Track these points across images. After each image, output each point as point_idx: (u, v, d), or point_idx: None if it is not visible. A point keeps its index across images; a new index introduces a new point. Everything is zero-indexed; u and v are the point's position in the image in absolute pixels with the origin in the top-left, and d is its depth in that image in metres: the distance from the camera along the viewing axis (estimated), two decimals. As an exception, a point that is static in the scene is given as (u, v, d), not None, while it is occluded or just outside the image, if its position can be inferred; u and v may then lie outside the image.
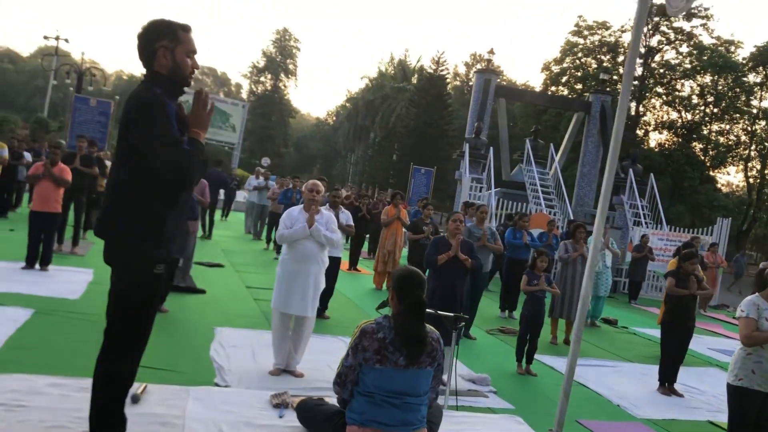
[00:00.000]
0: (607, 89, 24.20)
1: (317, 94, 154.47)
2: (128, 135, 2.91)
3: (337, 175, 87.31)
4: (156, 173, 2.87)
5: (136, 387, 3.83)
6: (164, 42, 3.00)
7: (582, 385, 6.66)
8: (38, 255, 8.42)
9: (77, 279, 8.22)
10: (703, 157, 37.45)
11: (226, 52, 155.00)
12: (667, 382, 6.79)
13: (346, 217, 8.08)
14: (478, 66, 67.53)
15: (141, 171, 2.90)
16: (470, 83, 65.83)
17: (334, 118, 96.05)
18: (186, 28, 3.08)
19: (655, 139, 41.11)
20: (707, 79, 37.53)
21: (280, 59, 71.80)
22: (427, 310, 3.53)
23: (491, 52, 20.40)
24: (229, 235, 16.18)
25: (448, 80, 48.11)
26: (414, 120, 43.97)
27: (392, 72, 62.07)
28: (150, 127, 2.83)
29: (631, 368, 7.86)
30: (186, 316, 7.18)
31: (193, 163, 2.88)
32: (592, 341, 9.15)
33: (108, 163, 14.98)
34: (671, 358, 6.75)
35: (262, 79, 72.12)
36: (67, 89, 38.44)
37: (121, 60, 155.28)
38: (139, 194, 2.91)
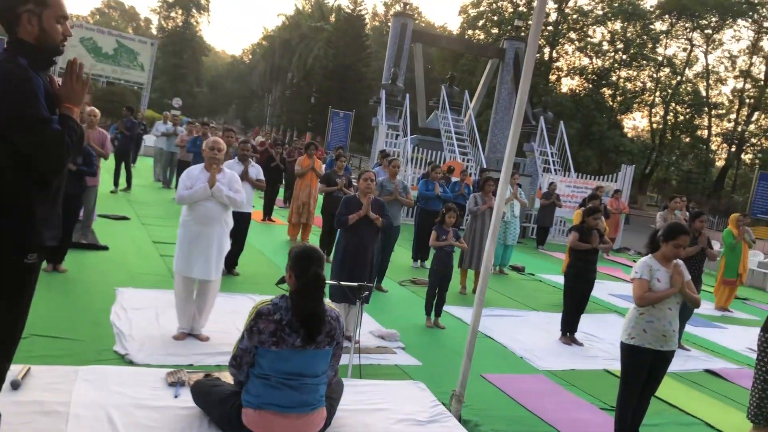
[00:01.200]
0: (521, 35, 24.40)
1: (232, 31, 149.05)
2: None
3: (254, 117, 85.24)
4: (22, 157, 2.60)
5: (17, 371, 3.57)
6: (29, 5, 2.66)
7: (488, 337, 6.86)
8: None
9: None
10: (611, 103, 38.72)
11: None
12: (568, 332, 7.07)
13: (256, 171, 7.86)
14: (397, 7, 66.68)
15: (4, 153, 2.60)
16: (389, 24, 65.03)
17: (250, 56, 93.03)
18: None
19: (567, 84, 42.09)
20: (617, 25, 38.47)
21: (191, -6, 68.43)
22: (329, 281, 3.47)
23: (407, -5, 20.07)
24: (136, 183, 15.52)
25: (366, 21, 47.23)
26: (332, 61, 43.22)
27: (309, 10, 60.37)
28: (13, 105, 2.52)
29: (536, 317, 8.15)
30: (86, 276, 6.88)
31: (64, 144, 2.60)
32: (499, 290, 9.42)
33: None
34: (573, 309, 7.02)
35: (173, 14, 68.62)
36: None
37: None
38: (2, 177, 2.62)
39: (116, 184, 13.57)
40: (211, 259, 5.35)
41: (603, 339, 7.44)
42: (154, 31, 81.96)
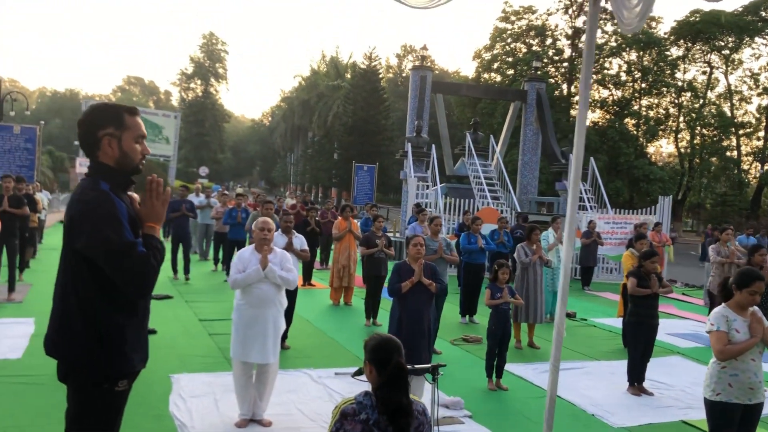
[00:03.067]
0: (538, 73, 24.48)
1: (250, 96, 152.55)
2: (73, 239, 2.54)
3: (277, 177, 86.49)
4: (110, 283, 2.54)
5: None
6: (109, 129, 2.64)
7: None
8: (-29, 311, 7.86)
9: (18, 332, 7.71)
10: (636, 132, 38.47)
11: (152, 60, 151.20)
12: (636, 382, 6.79)
13: (300, 241, 7.81)
14: (410, 57, 67.75)
15: (91, 279, 2.55)
16: (403, 74, 65.95)
17: (270, 119, 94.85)
18: (132, 111, 2.73)
19: (589, 118, 41.95)
20: (633, 56, 38.51)
21: (209, 64, 70.43)
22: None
23: (425, 48, 20.34)
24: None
25: (381, 74, 47.97)
26: (351, 117, 43.79)
27: (325, 69, 61.58)
28: (98, 233, 2.47)
29: (597, 367, 7.86)
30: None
31: (150, 266, 2.53)
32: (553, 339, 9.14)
33: (39, 197, 14.25)
34: (638, 357, 6.75)
35: (192, 85, 70.65)
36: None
37: (44, 75, 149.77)
38: (92, 305, 2.57)
39: (175, 270, 12.77)
40: (268, 342, 5.25)
41: (672, 386, 7.13)
42: (174, 103, 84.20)
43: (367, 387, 6.57)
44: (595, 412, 6.12)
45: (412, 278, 5.74)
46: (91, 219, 2.49)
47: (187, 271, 12.48)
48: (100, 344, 2.56)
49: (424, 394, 5.74)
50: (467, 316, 10.09)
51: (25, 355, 6.83)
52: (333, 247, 16.03)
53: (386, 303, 10.37)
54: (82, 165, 32.13)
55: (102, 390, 2.59)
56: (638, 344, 6.72)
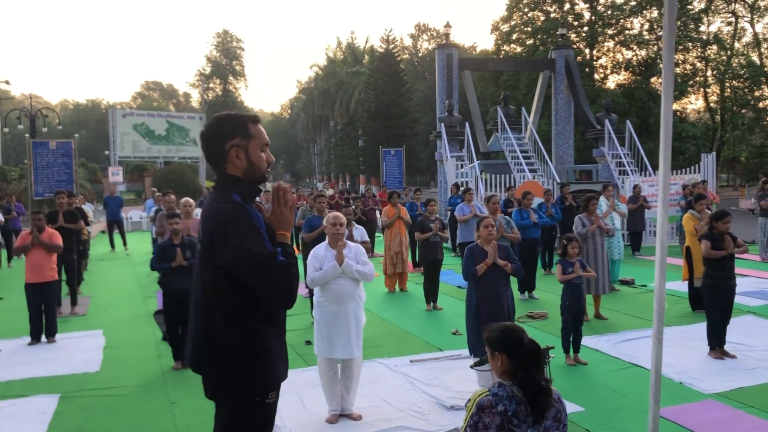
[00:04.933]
0: (560, 40, 23.99)
1: (267, 90, 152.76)
2: (215, 255, 2.50)
3: (302, 168, 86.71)
4: (253, 297, 2.52)
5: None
6: (236, 140, 2.60)
7: (634, 365, 6.52)
8: (42, 327, 7.98)
9: (89, 346, 7.83)
10: (663, 91, 37.68)
11: (168, 64, 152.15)
12: (717, 346, 6.66)
13: (361, 233, 7.80)
14: (425, 36, 67.25)
15: (235, 293, 2.52)
16: (419, 54, 65.47)
17: (289, 111, 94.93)
18: (255, 119, 2.69)
19: (614, 80, 41.26)
20: (654, 13, 37.67)
21: (226, 62, 70.65)
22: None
23: (448, 26, 20.04)
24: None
25: (399, 56, 47.61)
26: (374, 102, 43.55)
27: (341, 57, 61.33)
28: (240, 247, 2.43)
29: (671, 333, 7.70)
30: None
31: (291, 275, 2.50)
32: (619, 309, 9.04)
33: (86, 209, 14.43)
34: (718, 321, 6.62)
35: (211, 85, 70.93)
36: (17, 130, 37.21)
37: (64, 88, 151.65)
38: (238, 319, 2.54)
39: None
40: (351, 337, 5.24)
41: (753, 346, 6.99)
42: (194, 104, 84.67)
43: (445, 373, 6.49)
44: (683, 379, 6.01)
45: (486, 261, 5.67)
46: (231, 233, 2.46)
47: None
48: (249, 359, 2.55)
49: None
50: (526, 293, 10.00)
51: (103, 368, 6.92)
52: (381, 234, 16.12)
53: (444, 287, 10.34)
54: (114, 174, 32.47)
55: (254, 404, 2.58)
56: (717, 307, 6.59)
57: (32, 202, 20.21)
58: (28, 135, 25.82)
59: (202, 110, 60.81)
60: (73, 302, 9.87)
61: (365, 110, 45.73)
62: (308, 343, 7.63)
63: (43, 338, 8.01)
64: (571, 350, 6.64)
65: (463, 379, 6.17)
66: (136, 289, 11.85)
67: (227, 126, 2.62)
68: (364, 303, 5.48)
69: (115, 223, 17.45)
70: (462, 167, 17.04)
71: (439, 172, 19.47)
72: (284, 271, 2.46)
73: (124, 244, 17.69)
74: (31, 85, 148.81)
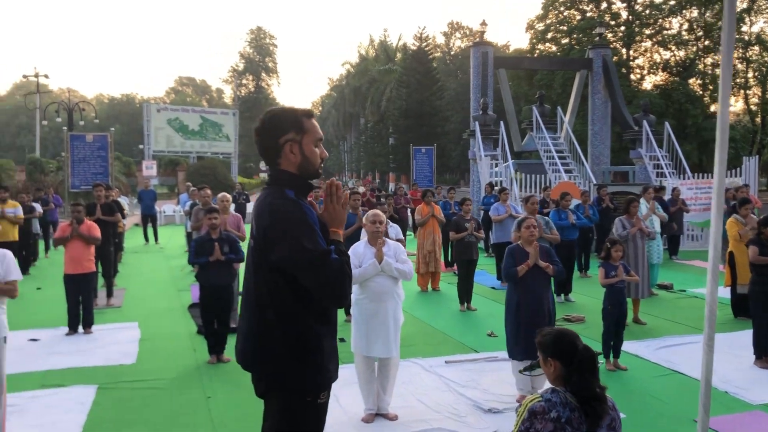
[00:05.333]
0: (596, 39, 23.62)
1: (297, 87, 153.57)
2: (267, 251, 2.46)
3: (332, 166, 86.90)
4: (306, 295, 2.47)
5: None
6: (290, 134, 2.56)
7: (676, 372, 6.36)
8: (79, 318, 8.07)
9: (125, 337, 7.88)
10: (701, 93, 36.94)
11: (202, 59, 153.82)
12: (764, 354, 6.46)
13: (396, 231, 7.72)
14: (458, 34, 66.87)
15: (288, 290, 2.47)
16: (451, 53, 65.12)
17: (320, 108, 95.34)
18: (309, 114, 2.65)
19: (651, 81, 40.54)
20: (694, 13, 36.93)
21: (259, 59, 71.13)
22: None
23: (483, 24, 19.88)
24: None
25: (433, 55, 47.41)
26: (405, 100, 43.40)
27: (374, 54, 61.28)
28: (294, 243, 2.38)
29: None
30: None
31: (346, 273, 2.44)
32: (657, 314, 8.84)
33: (122, 202, 14.58)
34: (765, 328, 6.42)
35: (244, 81, 71.48)
36: (55, 123, 37.90)
37: (99, 82, 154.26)
38: (291, 317, 2.49)
39: None
40: (390, 336, 5.18)
41: (800, 356, 6.76)
42: (226, 100, 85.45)
43: (482, 375, 6.36)
44: (728, 389, 5.84)
45: (527, 262, 5.56)
46: (284, 229, 2.41)
47: None
48: (301, 357, 2.50)
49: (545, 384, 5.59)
50: (562, 295, 9.84)
51: (139, 360, 6.96)
52: (413, 232, 16.04)
53: (477, 287, 10.23)
54: (148, 168, 32.84)
55: (306, 403, 2.53)
56: (765, 315, 6.39)
57: (69, 194, 20.57)
58: (66, 128, 26.27)
59: (234, 106, 61.36)
60: (109, 294, 9.97)
61: (396, 108, 45.62)
62: (342, 340, 7.59)
63: (80, 329, 8.08)
64: (611, 355, 6.50)
65: (500, 381, 6.07)
66: (170, 282, 11.95)
67: (281, 121, 2.58)
68: (402, 302, 5.42)
69: (149, 217, 17.62)
70: (496, 166, 16.88)
71: (472, 171, 19.30)
72: (338, 269, 2.40)
73: (156, 238, 17.86)
74: (68, 79, 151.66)
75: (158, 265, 14.22)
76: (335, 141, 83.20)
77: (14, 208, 11.20)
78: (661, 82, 38.85)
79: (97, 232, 8.19)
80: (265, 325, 2.51)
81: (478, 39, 21.04)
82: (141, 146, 41.78)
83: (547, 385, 5.71)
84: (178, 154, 39.07)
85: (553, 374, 2.83)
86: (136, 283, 11.63)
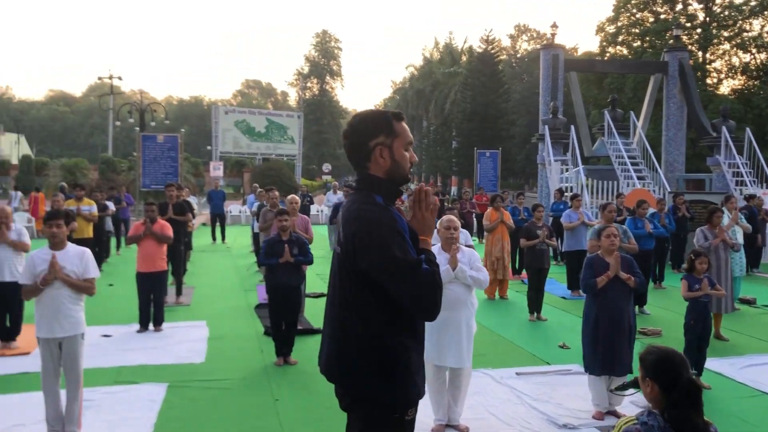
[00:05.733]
0: (670, 41, 22.77)
1: (362, 90, 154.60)
2: (355, 259, 2.36)
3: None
4: (394, 303, 2.35)
5: None
6: (380, 138, 2.46)
7: (765, 393, 5.97)
8: (150, 316, 8.21)
9: (194, 336, 7.97)
10: (784, 98, 35.19)
11: (266, 63, 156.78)
12: None
13: (465, 236, 7.56)
14: (524, 36, 65.91)
15: (376, 301, 2.37)
16: (518, 55, 64.24)
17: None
18: (399, 116, 2.54)
19: (729, 85, 38.89)
20: (777, 13, 35.25)
21: (324, 62, 71.80)
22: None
23: (554, 26, 19.40)
24: (315, 255, 15.84)
25: (497, 56, 46.81)
26: (470, 103, 42.96)
27: (438, 57, 60.99)
28: (383, 251, 2.27)
29: (804, 361, 7.07)
30: (315, 367, 6.77)
31: (437, 285, 2.32)
32: (741, 330, 8.39)
33: (191, 201, 14.87)
34: None
35: (309, 84, 72.25)
36: (127, 123, 39.18)
37: (168, 85, 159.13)
38: (379, 329, 2.38)
39: None
40: (463, 345, 5.03)
41: None
42: (291, 103, 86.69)
43: (555, 388, 6.10)
44: (825, 415, 5.44)
45: (607, 273, 5.31)
46: (373, 237, 2.30)
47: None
48: (389, 371, 2.38)
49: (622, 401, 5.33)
50: (637, 307, 9.44)
51: (208, 360, 7.01)
52: (478, 238, 15.81)
53: (548, 297, 9.92)
54: (216, 169, 33.52)
55: (392, 420, 2.42)
56: None
57: (140, 193, 21.16)
58: (138, 128, 27.05)
59: (299, 109, 62.14)
60: (178, 292, 10.13)
61: (460, 111, 45.21)
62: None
63: (151, 326, 8.22)
64: (693, 373, 6.16)
65: (574, 396, 5.83)
66: (237, 281, 12.08)
67: (372, 123, 2.48)
68: (476, 310, 5.26)
69: (217, 217, 17.92)
70: (565, 171, 16.48)
71: (539, 176, 18.89)
72: (429, 280, 2.28)
73: (223, 237, 18.14)
74: (139, 81, 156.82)
75: (225, 264, 14.42)
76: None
77: (89, 206, 11.55)
78: (739, 87, 37.24)
79: (170, 231, 8.32)
80: (351, 337, 2.41)
81: (546, 41, 20.55)
82: (209, 147, 42.70)
83: (626, 402, 5.47)
84: (244, 156, 39.74)
85: (650, 395, 2.63)
86: (204, 282, 11.80)
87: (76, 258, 4.81)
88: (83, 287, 4.83)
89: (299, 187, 27.03)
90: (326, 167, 42.70)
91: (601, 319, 5.28)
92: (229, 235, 18.96)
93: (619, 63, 28.59)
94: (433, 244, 6.76)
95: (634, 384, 2.78)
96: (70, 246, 4.89)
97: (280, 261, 6.73)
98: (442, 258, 5.15)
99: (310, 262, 7.06)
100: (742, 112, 31.74)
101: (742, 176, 16.50)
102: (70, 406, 4.82)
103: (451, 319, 5.01)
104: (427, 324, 5.12)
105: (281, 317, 6.83)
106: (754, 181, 16.38)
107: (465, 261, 5.13)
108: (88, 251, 4.91)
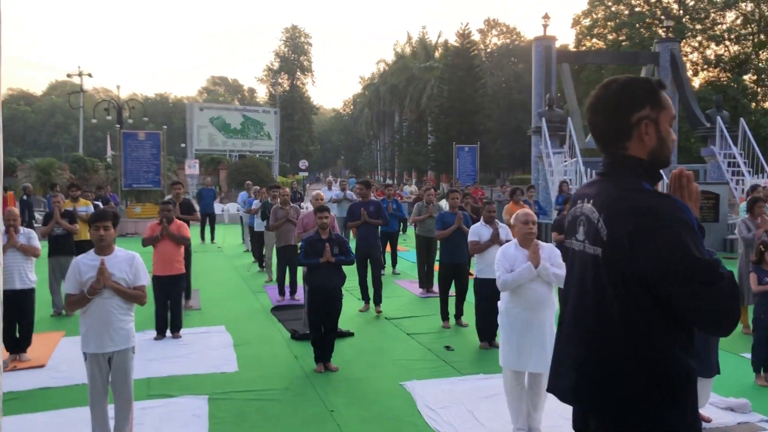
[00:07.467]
0: (661, 32, 22.83)
1: (329, 86, 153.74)
2: (631, 260, 1.92)
3: (364, 165, 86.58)
4: (675, 316, 1.92)
5: None
6: (645, 110, 2.03)
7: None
8: (167, 322, 7.70)
9: (218, 343, 7.50)
10: (756, 88, 35.81)
11: (232, 60, 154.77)
12: None
13: (506, 232, 7.24)
14: (494, 31, 65.93)
15: (656, 314, 1.93)
16: (487, 50, 64.27)
17: (352, 107, 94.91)
18: (663, 84, 2.11)
19: (702, 76, 39.40)
20: (750, 6, 35.80)
21: (294, 58, 70.90)
22: None
23: (546, 17, 19.18)
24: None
25: (473, 51, 46.68)
26: (447, 98, 42.77)
27: (410, 52, 60.68)
28: (676, 251, 1.85)
29: None
30: (358, 372, 6.40)
31: (738, 294, 1.90)
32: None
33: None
34: None
35: (279, 80, 71.30)
36: (90, 123, 38.00)
37: (129, 83, 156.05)
38: (656, 344, 1.95)
39: (366, 298, 11.91)
40: (546, 349, 4.67)
41: None
42: (259, 99, 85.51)
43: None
44: None
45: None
46: (663, 234, 1.87)
47: (378, 301, 9.14)
48: (671, 398, 1.94)
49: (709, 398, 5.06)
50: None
51: (241, 368, 6.55)
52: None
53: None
54: (191, 167, 32.72)
55: None
56: None
57: (121, 193, 20.39)
58: (119, 126, 26.21)
59: (269, 105, 61.28)
60: (187, 296, 9.59)
61: (437, 105, 45.01)
62: (448, 348, 7.14)
63: (168, 333, 7.72)
64: (762, 369, 5.92)
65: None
66: (241, 283, 11.59)
67: (635, 92, 2.05)
68: (557, 311, 4.91)
69: (207, 216, 17.27)
70: (562, 163, 16.29)
71: (534, 169, 18.68)
72: (730, 287, 1.86)
73: (212, 237, 17.53)
74: (101, 79, 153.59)
75: (221, 264, 13.88)
76: (367, 139, 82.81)
77: (86, 207, 10.91)
78: (713, 78, 37.76)
79: (187, 231, 7.84)
80: (617, 355, 1.98)
81: (518, 36, 20.35)
82: (183, 145, 41.74)
83: (712, 399, 5.18)
84: (220, 153, 38.97)
85: None
86: (206, 284, 11.27)
87: (126, 264, 4.34)
88: (134, 296, 4.37)
89: (276, 183, 26.45)
90: (303, 163, 42.02)
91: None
92: (216, 235, 18.31)
93: (611, 55, 28.48)
94: (507, 240, 6.48)
95: None
96: (118, 250, 4.41)
97: (321, 261, 6.31)
98: (519, 254, 4.81)
99: (352, 262, 6.63)
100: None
101: (738, 166, 16.51)
102: (119, 426, 4.36)
103: (532, 320, 4.68)
104: (504, 326, 4.80)
105: (321, 320, 6.41)
106: (749, 170, 16.41)
107: (546, 257, 4.78)
108: (137, 256, 4.44)
